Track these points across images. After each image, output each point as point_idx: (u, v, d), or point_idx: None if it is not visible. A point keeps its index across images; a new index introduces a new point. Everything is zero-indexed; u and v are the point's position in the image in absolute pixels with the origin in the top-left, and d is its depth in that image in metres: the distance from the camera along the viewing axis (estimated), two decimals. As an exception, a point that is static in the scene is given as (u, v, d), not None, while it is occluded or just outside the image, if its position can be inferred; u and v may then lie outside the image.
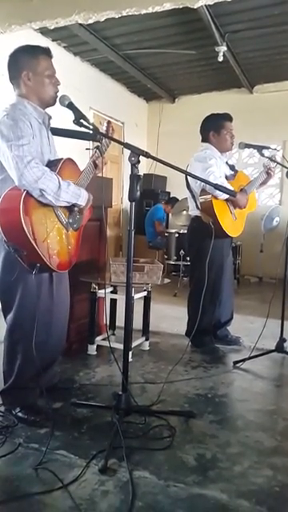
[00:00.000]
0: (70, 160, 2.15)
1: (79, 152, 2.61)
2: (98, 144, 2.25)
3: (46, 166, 1.99)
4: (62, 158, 2.11)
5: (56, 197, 1.90)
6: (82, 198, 2.05)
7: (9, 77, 2.09)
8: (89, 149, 2.39)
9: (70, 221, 2.09)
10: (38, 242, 1.86)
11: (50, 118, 2.15)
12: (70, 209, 2.08)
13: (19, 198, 1.82)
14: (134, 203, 1.98)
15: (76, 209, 2.10)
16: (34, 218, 1.86)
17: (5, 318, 2.12)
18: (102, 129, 2.26)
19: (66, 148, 2.51)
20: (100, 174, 2.26)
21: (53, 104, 2.11)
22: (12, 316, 2.08)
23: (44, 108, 2.12)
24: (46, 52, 2.09)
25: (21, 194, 1.83)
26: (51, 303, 2.16)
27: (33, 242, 1.83)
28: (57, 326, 2.26)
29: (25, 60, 2.04)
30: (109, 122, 2.31)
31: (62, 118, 2.21)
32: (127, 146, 1.97)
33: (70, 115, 1.97)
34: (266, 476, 1.74)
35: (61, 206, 2.01)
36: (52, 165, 2.04)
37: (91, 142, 2.35)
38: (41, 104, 2.09)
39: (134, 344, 3.06)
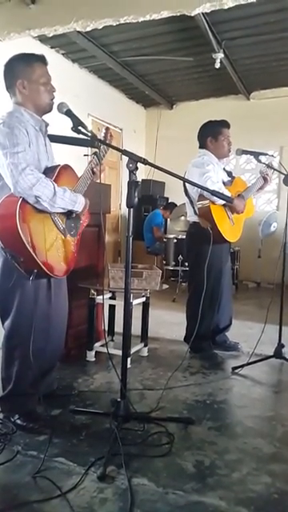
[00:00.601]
0: (67, 166, 2.15)
1: (77, 158, 2.62)
2: (96, 150, 2.26)
3: (43, 172, 2.00)
4: (58, 165, 2.12)
5: (51, 203, 1.90)
6: (78, 204, 2.05)
7: (5, 86, 2.11)
8: (87, 155, 2.40)
9: (68, 227, 2.10)
10: (35, 248, 1.86)
11: (47, 125, 2.16)
12: (68, 215, 2.09)
13: (16, 205, 1.83)
14: (132, 209, 1.99)
15: (73, 215, 2.11)
16: (30, 224, 1.87)
17: (2, 324, 2.12)
18: (101, 135, 2.27)
19: (63, 154, 2.52)
20: (98, 181, 2.27)
21: (49, 111, 2.12)
22: (10, 322, 2.08)
23: (41, 115, 2.13)
24: (41, 59, 2.10)
25: (17, 201, 1.84)
26: (49, 309, 2.16)
27: (30, 249, 1.83)
28: (55, 331, 2.25)
29: (20, 68, 2.05)
30: (107, 129, 2.32)
31: (60, 124, 2.22)
32: (125, 152, 1.98)
33: (69, 122, 1.98)
34: (264, 483, 1.73)
35: (58, 213, 2.02)
36: (49, 171, 2.05)
37: (89, 148, 2.36)
38: (37, 111, 2.10)
39: (132, 350, 3.05)
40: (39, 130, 2.10)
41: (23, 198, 1.85)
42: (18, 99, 2.07)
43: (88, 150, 2.40)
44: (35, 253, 1.85)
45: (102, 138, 2.25)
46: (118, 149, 2.12)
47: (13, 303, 2.05)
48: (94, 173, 2.25)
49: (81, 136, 2.01)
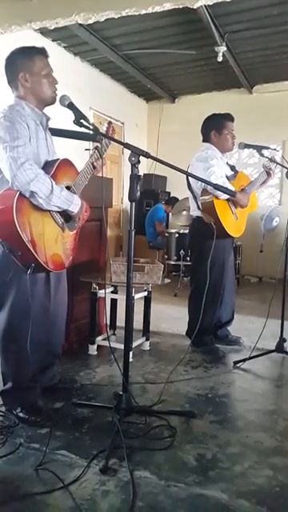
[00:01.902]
0: (66, 160, 2.15)
1: (78, 151, 2.62)
2: (98, 144, 2.24)
3: (43, 166, 2.00)
4: (58, 159, 2.11)
5: (47, 200, 1.90)
6: (73, 204, 2.03)
7: (7, 80, 2.10)
8: (88, 149, 2.39)
9: (66, 222, 2.10)
10: (32, 241, 1.86)
11: (48, 119, 2.15)
12: (65, 215, 2.08)
13: (13, 198, 1.83)
14: (134, 203, 1.98)
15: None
16: (28, 218, 1.87)
17: None
18: (103, 129, 2.26)
19: (65, 147, 2.51)
20: (100, 174, 2.26)
21: (52, 103, 2.11)
22: (5, 315, 2.06)
23: (43, 108, 2.12)
24: (42, 52, 2.09)
25: (14, 194, 1.84)
26: (48, 303, 2.16)
27: (26, 242, 1.83)
28: (54, 326, 2.26)
29: (21, 62, 2.05)
30: (109, 123, 2.31)
31: (62, 117, 2.21)
32: (127, 146, 1.97)
33: (71, 115, 1.97)
34: (266, 476, 1.74)
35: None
36: (48, 166, 2.04)
37: (91, 142, 2.35)
38: (40, 104, 2.09)
39: (134, 344, 3.06)
40: (40, 123, 2.09)
41: (21, 192, 1.85)
42: (20, 93, 2.07)
43: (89, 145, 2.39)
44: (32, 246, 1.85)
45: (104, 132, 2.24)
46: (119, 142, 2.11)
47: (8, 297, 2.05)
48: (94, 167, 2.24)
49: (83, 129, 2.00)
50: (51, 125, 2.21)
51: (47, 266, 1.93)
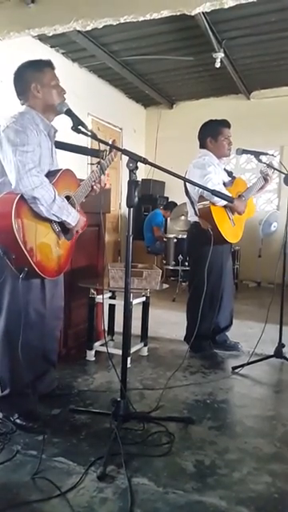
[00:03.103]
0: (68, 171, 2.20)
1: (80, 162, 2.63)
2: (101, 160, 2.28)
3: (46, 175, 2.03)
4: (61, 169, 2.15)
5: (48, 208, 1.93)
6: (72, 217, 2.07)
7: (16, 92, 2.17)
8: (92, 164, 2.42)
9: (63, 230, 2.11)
10: (28, 246, 1.88)
11: (55, 131, 2.20)
12: (62, 226, 2.10)
13: (12, 202, 1.86)
14: (132, 209, 1.99)
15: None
16: (26, 222, 1.89)
17: None
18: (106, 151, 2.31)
19: (66, 158, 2.53)
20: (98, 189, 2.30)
21: (61, 112, 2.14)
22: (2, 320, 2.08)
23: (53, 118, 2.18)
24: (49, 64, 2.18)
25: (14, 198, 1.87)
26: (43, 309, 2.16)
27: (22, 246, 1.85)
28: (50, 331, 2.26)
29: (31, 74, 2.12)
30: (114, 141, 2.36)
31: (61, 124, 2.22)
32: (125, 152, 1.98)
33: (69, 122, 1.99)
34: (265, 483, 1.73)
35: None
36: (50, 175, 2.08)
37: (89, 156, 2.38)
38: (49, 114, 2.15)
39: (132, 350, 3.05)
40: (47, 134, 2.14)
41: (21, 196, 1.87)
42: (31, 103, 2.12)
43: (89, 159, 2.42)
44: (27, 251, 1.87)
45: (107, 152, 2.29)
46: (118, 148, 2.12)
47: (3, 301, 2.06)
48: (92, 188, 2.27)
49: (85, 143, 2.02)
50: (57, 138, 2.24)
51: (40, 272, 1.94)
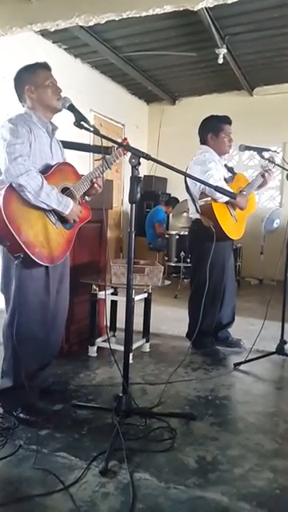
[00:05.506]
0: (66, 163, 2.26)
1: (81, 156, 2.64)
2: (106, 155, 2.32)
3: (44, 168, 2.11)
4: (57, 163, 2.20)
5: (36, 196, 1.97)
6: (65, 206, 2.10)
7: (17, 97, 2.24)
8: (98, 159, 2.45)
9: (61, 219, 2.14)
10: (20, 233, 1.93)
11: (54, 128, 2.25)
12: (59, 216, 2.13)
13: (1, 191, 1.91)
14: (134, 205, 1.99)
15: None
16: (16, 210, 1.95)
17: (6, 312, 2.16)
18: (114, 151, 2.37)
19: (70, 155, 2.54)
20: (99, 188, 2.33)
21: (59, 109, 2.19)
22: (9, 311, 2.12)
23: (52, 116, 2.24)
24: (44, 66, 2.25)
25: (3, 188, 1.92)
26: (48, 301, 2.19)
27: (14, 233, 1.89)
28: (54, 325, 2.28)
29: (25, 77, 2.21)
30: (125, 139, 2.37)
31: (63, 120, 2.23)
32: (128, 147, 1.98)
33: (72, 117, 2.00)
34: (266, 479, 1.74)
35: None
36: (48, 167, 2.14)
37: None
38: (47, 113, 2.21)
39: (134, 346, 3.06)
40: (46, 131, 2.20)
41: (10, 185, 1.94)
42: (29, 105, 2.20)
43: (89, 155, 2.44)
44: (19, 237, 1.91)
45: (114, 148, 2.34)
46: (120, 144, 2.12)
47: (10, 292, 2.10)
48: (93, 185, 2.30)
49: (85, 132, 2.02)
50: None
51: (34, 258, 1.98)
